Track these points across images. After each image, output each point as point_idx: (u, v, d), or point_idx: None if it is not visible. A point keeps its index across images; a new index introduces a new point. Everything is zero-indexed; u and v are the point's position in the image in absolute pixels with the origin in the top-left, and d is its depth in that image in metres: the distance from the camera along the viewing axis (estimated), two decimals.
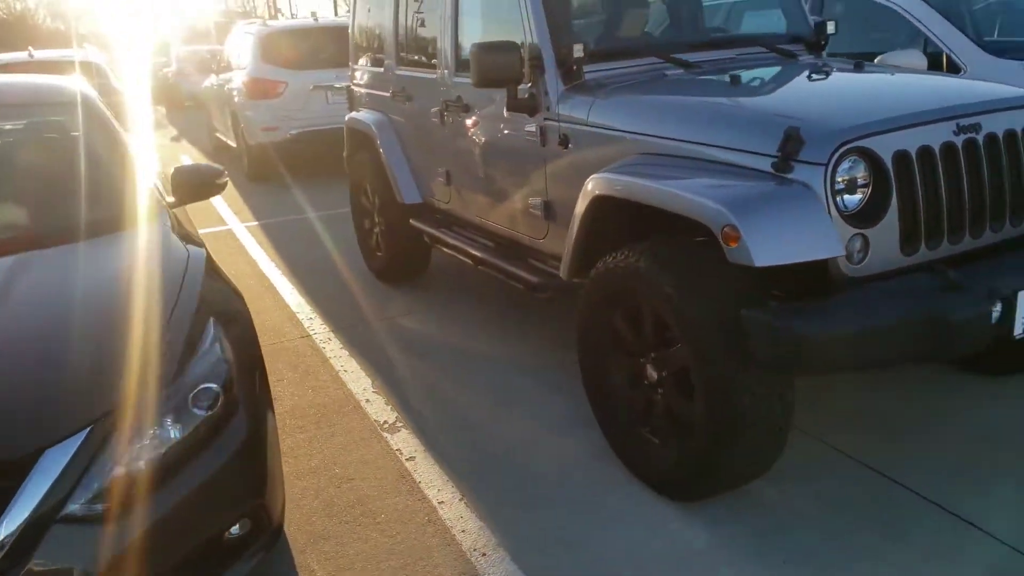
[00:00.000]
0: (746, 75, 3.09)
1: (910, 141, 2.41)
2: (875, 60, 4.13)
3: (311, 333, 4.50)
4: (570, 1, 3.47)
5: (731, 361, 2.34)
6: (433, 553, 2.56)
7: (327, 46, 8.84)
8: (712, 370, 2.36)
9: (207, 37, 23.80)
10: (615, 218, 2.92)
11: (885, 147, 2.38)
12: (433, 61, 4.23)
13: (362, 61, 5.32)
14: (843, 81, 3.03)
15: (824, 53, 3.82)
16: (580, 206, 2.92)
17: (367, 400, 3.64)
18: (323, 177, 8.80)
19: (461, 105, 3.93)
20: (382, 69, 4.89)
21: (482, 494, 2.86)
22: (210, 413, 1.97)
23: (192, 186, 3.05)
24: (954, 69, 4.52)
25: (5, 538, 1.67)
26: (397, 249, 5.02)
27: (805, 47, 3.77)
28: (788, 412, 2.45)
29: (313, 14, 10.99)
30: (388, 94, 4.78)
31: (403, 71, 4.61)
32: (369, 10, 5.15)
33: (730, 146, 2.54)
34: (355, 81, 5.47)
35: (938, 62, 4.56)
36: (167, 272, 2.34)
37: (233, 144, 9.75)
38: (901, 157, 2.39)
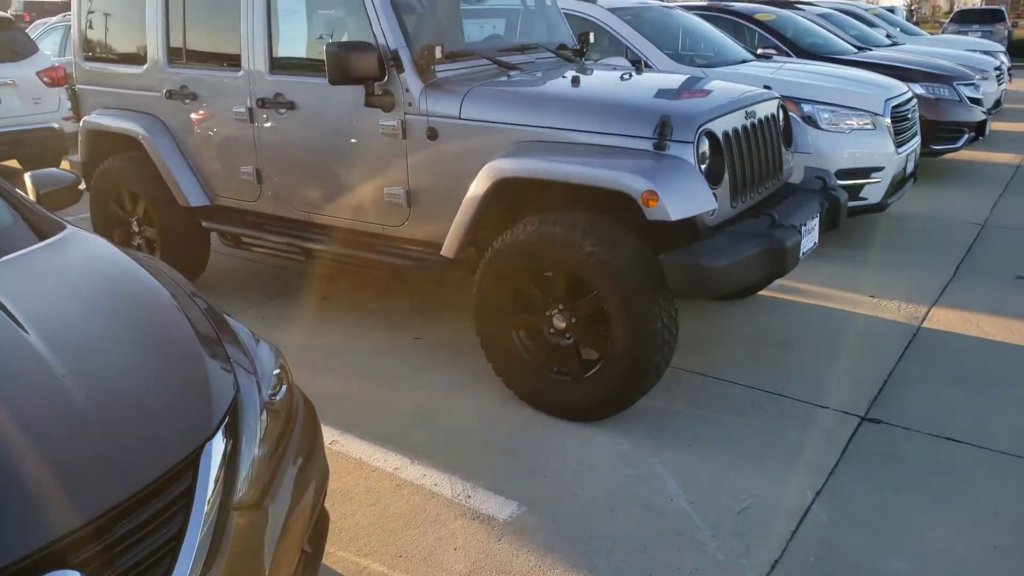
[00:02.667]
0: (574, 75, 3.77)
1: (728, 124, 3.33)
2: (597, 63, 5.12)
3: None
4: (407, 5, 3.80)
5: (648, 296, 3.01)
6: (426, 506, 2.82)
7: None
8: (634, 304, 3.01)
9: None
10: (500, 200, 3.41)
11: (719, 128, 3.25)
12: (232, 59, 4.18)
13: (97, 58, 4.88)
14: (657, 81, 3.86)
15: (584, 60, 4.67)
16: (478, 189, 3.34)
17: None
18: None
19: (283, 102, 4.00)
20: (143, 68, 4.60)
21: (428, 454, 3.15)
22: (281, 398, 2.08)
23: (57, 195, 2.80)
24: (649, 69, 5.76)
25: (202, 533, 1.66)
26: (174, 255, 4.77)
27: (572, 53, 4.59)
28: (675, 334, 3.21)
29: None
30: (159, 94, 4.53)
31: (182, 69, 4.42)
32: (107, 1, 4.77)
33: (611, 132, 3.21)
34: (84, 80, 4.99)
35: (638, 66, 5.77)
36: (143, 272, 2.31)
37: None
38: (726, 135, 3.29)
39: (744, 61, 6.25)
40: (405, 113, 3.63)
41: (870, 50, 9.23)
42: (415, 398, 3.61)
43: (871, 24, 12.11)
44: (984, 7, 26.29)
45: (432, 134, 3.59)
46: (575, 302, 3.23)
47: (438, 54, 3.58)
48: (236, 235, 4.46)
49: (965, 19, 22.17)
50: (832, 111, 5.29)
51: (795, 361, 3.88)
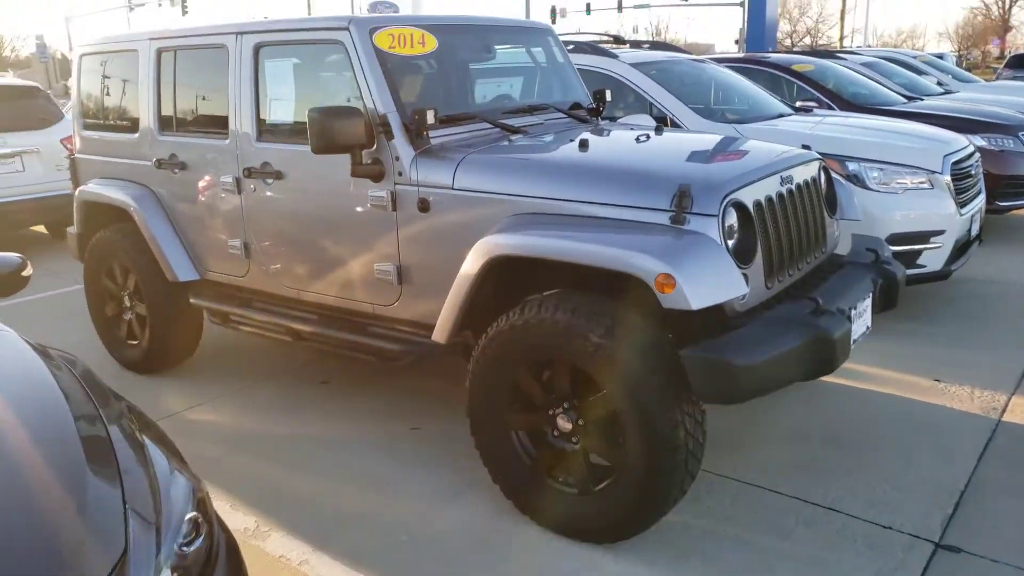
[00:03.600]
0: (583, 138, 3.36)
1: (760, 192, 2.86)
2: (616, 122, 4.72)
3: None
4: (403, 68, 3.45)
5: (665, 399, 2.52)
6: None
7: None
8: (649, 408, 2.53)
9: None
10: (496, 278, 2.98)
11: (749, 197, 2.78)
12: (220, 127, 3.88)
13: (95, 127, 4.66)
14: (679, 143, 3.44)
15: (600, 119, 4.27)
16: (470, 267, 2.91)
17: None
18: None
19: (270, 172, 3.67)
20: (136, 135, 4.34)
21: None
22: (193, 548, 1.66)
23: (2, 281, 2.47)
24: (676, 127, 5.34)
25: None
26: (165, 332, 4.44)
27: (587, 113, 4.19)
28: (703, 442, 2.70)
29: None
30: (149, 163, 4.25)
31: (172, 137, 4.14)
32: (107, 70, 4.55)
33: (621, 203, 2.76)
34: (84, 150, 4.77)
35: (664, 123, 5.35)
36: (54, 386, 1.90)
37: None
38: (757, 205, 2.82)
39: (780, 115, 5.79)
40: (395, 183, 3.25)
41: (921, 100, 8.69)
42: (402, 506, 3.14)
43: (920, 72, 11.53)
44: None
45: (424, 206, 3.20)
46: (582, 401, 2.76)
47: (430, 119, 3.20)
48: (223, 313, 4.10)
49: (1022, 64, 21.32)
50: (882, 169, 4.78)
51: (848, 463, 3.31)
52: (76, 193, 4.74)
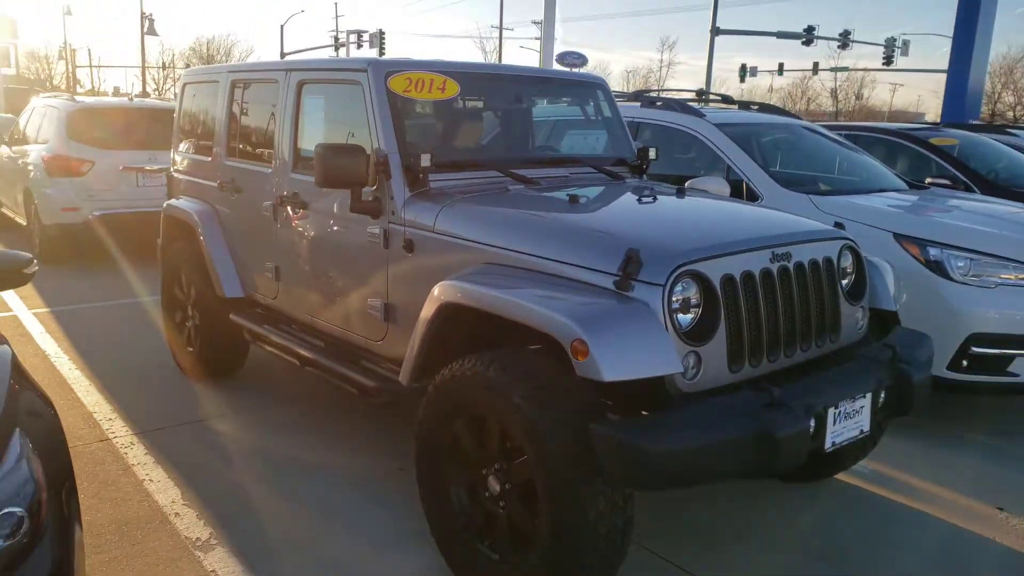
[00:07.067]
0: (583, 194, 3.26)
1: (735, 266, 2.62)
2: (685, 184, 4.51)
3: (111, 436, 4.05)
4: (415, 111, 3.52)
5: (578, 474, 2.35)
6: None
7: (142, 127, 8.42)
8: (558, 482, 2.36)
9: None
10: (460, 325, 2.92)
11: (714, 271, 2.57)
12: (268, 155, 4.12)
13: (186, 148, 5.08)
14: (672, 207, 3.26)
15: (644, 176, 4.13)
16: (426, 311, 2.88)
17: (176, 513, 3.30)
18: (125, 262, 8.18)
19: (298, 201, 3.83)
20: (210, 158, 4.68)
21: None
22: (11, 542, 1.69)
23: None
24: (752, 197, 5.04)
25: None
26: (213, 345, 4.71)
27: (629, 169, 4.06)
28: (628, 528, 2.49)
29: (128, 94, 10.46)
30: (215, 184, 4.57)
31: (234, 162, 4.44)
32: (197, 97, 4.97)
33: (572, 262, 2.64)
34: (177, 168, 5.20)
35: (738, 190, 5.07)
36: None
37: (23, 222, 8.87)
38: (728, 280, 2.59)
39: (883, 190, 5.31)
40: (389, 221, 3.30)
41: None
42: (346, 545, 3.11)
43: None
44: None
45: (409, 246, 3.21)
46: (510, 464, 2.62)
47: (424, 161, 3.22)
48: (253, 332, 4.29)
49: None
50: (971, 259, 4.25)
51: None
52: (164, 206, 5.17)
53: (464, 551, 2.80)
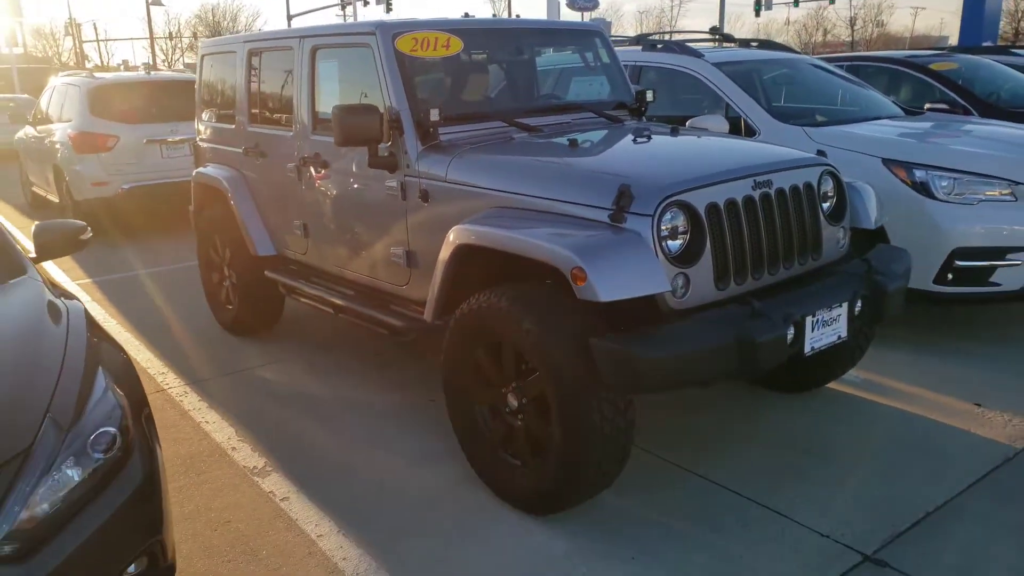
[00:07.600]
0: (582, 138, 3.54)
1: (719, 195, 2.92)
2: (686, 123, 4.76)
3: (165, 388, 4.46)
4: (424, 69, 3.80)
5: (582, 385, 2.69)
6: None
7: (161, 100, 8.72)
8: (567, 393, 2.71)
9: (7, 85, 22.25)
10: (475, 264, 3.24)
11: (699, 200, 2.86)
12: (288, 119, 4.42)
13: (209, 117, 5.38)
14: (663, 145, 3.54)
15: (644, 118, 4.38)
16: (444, 254, 3.21)
17: (233, 448, 3.70)
18: (157, 232, 8.59)
19: (319, 161, 4.14)
20: (234, 126, 4.99)
21: (359, 525, 3.02)
22: (109, 455, 2.06)
23: (56, 242, 3.07)
24: (750, 132, 5.28)
25: None
26: (249, 301, 5.08)
27: (629, 112, 4.32)
28: (629, 429, 2.83)
29: (144, 66, 10.72)
30: (241, 150, 4.89)
31: (257, 128, 4.75)
32: (215, 68, 5.26)
33: (572, 201, 2.95)
34: (202, 137, 5.51)
35: (737, 126, 5.31)
36: (52, 325, 2.40)
37: (55, 199, 9.27)
38: (712, 208, 2.89)
39: (878, 118, 5.51)
40: (404, 174, 3.60)
41: None
42: (384, 465, 3.50)
43: None
44: None
45: (424, 196, 3.52)
46: (524, 380, 2.97)
47: (434, 116, 3.51)
48: (288, 286, 4.65)
49: None
50: (955, 179, 4.49)
51: (828, 476, 3.26)
52: (193, 175, 5.50)
53: (490, 461, 3.17)
